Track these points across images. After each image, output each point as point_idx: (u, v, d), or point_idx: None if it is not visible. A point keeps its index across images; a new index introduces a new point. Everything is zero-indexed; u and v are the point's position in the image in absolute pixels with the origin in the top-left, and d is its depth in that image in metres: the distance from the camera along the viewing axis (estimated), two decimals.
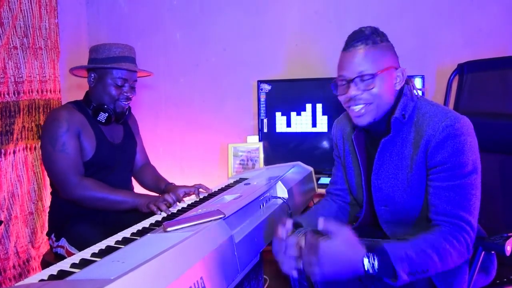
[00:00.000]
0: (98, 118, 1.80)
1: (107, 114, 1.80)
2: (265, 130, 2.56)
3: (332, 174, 1.63)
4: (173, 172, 2.83)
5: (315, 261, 1.04)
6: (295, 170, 1.99)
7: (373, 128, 1.36)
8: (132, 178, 2.10)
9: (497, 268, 1.40)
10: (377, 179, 1.36)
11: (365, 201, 1.43)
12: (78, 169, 1.72)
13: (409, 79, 1.35)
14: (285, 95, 2.51)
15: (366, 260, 1.05)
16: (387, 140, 1.32)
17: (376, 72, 1.26)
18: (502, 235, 1.25)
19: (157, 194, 1.97)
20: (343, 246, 1.05)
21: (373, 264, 1.05)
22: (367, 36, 1.27)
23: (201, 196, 1.81)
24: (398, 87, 1.31)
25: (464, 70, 2.06)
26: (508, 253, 1.21)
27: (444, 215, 1.20)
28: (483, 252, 1.27)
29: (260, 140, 2.57)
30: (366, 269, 1.05)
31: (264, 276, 2.13)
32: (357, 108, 1.30)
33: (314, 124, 2.48)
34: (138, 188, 2.09)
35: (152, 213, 1.62)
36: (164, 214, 1.58)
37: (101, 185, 1.72)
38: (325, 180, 2.35)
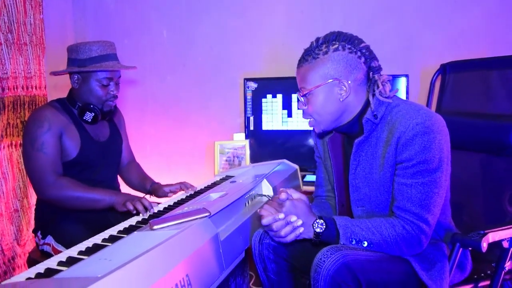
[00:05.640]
0: (84, 118, 1.77)
1: (93, 113, 1.77)
2: (252, 127, 2.58)
3: (316, 177, 1.65)
4: (160, 169, 2.84)
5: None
6: (280, 167, 2.02)
7: (346, 130, 1.39)
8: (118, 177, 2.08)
9: (472, 264, 1.44)
10: (354, 179, 1.38)
11: (343, 201, 1.46)
12: (55, 169, 1.69)
13: (378, 83, 1.32)
14: (271, 93, 2.54)
15: (315, 224, 1.27)
16: (361, 140, 1.34)
17: (310, 88, 1.32)
18: (479, 232, 1.29)
19: (141, 194, 1.97)
20: (303, 206, 1.30)
21: (320, 227, 1.27)
22: (311, 50, 1.32)
23: (188, 194, 1.83)
24: (342, 99, 1.31)
25: (446, 70, 2.10)
26: (484, 250, 1.25)
27: (403, 211, 1.26)
28: (461, 249, 1.31)
29: (246, 138, 2.59)
30: (314, 228, 1.27)
31: (250, 272, 2.16)
32: (308, 121, 1.40)
33: (299, 122, 2.51)
34: (124, 187, 2.08)
35: (129, 213, 1.61)
36: (142, 217, 1.57)
37: (77, 184, 1.70)
38: (310, 177, 2.38)
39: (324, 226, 1.27)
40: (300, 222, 1.27)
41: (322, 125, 1.37)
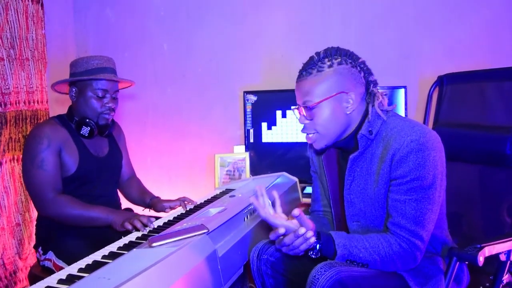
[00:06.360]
0: (81, 132, 1.79)
1: (89, 128, 1.79)
2: (251, 140, 2.60)
3: (312, 191, 1.66)
4: (160, 182, 2.85)
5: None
6: (280, 180, 2.04)
7: (341, 145, 1.40)
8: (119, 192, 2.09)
9: (469, 277, 1.44)
10: (349, 194, 1.39)
11: (340, 216, 1.47)
12: (55, 186, 1.71)
13: (378, 96, 1.35)
14: (271, 105, 2.56)
15: (311, 252, 1.27)
16: (356, 156, 1.35)
17: (317, 101, 1.31)
18: (475, 246, 1.29)
19: (142, 208, 1.99)
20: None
21: (317, 250, 1.27)
22: (314, 63, 1.32)
23: (187, 208, 1.84)
24: (349, 112, 1.33)
25: (443, 82, 2.12)
26: (480, 264, 1.25)
27: (398, 227, 1.27)
28: (457, 263, 1.31)
29: (246, 150, 2.61)
30: (311, 253, 1.28)
31: (250, 284, 2.16)
32: (308, 136, 1.39)
33: (299, 135, 2.52)
34: (124, 202, 2.10)
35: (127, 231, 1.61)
36: (141, 233, 1.57)
37: (77, 201, 1.72)
38: (310, 189, 2.39)
39: (319, 255, 1.28)
40: (310, 234, 1.26)
41: (325, 139, 1.36)
